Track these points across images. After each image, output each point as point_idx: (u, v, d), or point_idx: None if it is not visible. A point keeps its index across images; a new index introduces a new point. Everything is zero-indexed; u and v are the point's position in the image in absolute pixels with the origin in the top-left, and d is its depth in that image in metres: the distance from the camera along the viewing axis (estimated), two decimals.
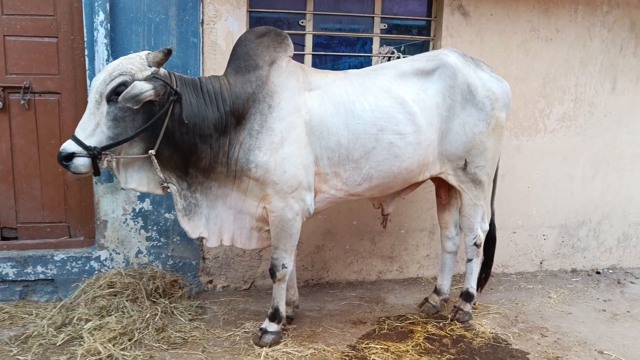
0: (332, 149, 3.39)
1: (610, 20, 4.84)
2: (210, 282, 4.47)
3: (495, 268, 4.88)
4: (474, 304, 4.14)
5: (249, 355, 3.40)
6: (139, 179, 3.21)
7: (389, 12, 4.59)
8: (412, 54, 4.36)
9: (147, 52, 3.07)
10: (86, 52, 3.94)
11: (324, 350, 3.46)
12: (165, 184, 3.23)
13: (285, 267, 3.52)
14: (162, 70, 3.08)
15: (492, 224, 4.12)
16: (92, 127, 2.97)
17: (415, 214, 4.76)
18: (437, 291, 4.20)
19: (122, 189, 3.68)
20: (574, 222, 5.15)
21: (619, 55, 4.93)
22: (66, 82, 4.10)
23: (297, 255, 4.42)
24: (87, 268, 4.20)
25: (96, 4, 3.83)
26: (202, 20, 4.09)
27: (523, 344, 3.70)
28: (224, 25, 4.11)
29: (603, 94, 4.97)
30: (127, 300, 3.79)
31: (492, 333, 3.83)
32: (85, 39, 3.93)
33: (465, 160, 3.71)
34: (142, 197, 4.18)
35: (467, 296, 4.07)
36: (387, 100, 3.48)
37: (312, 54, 4.48)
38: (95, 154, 2.94)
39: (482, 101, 3.64)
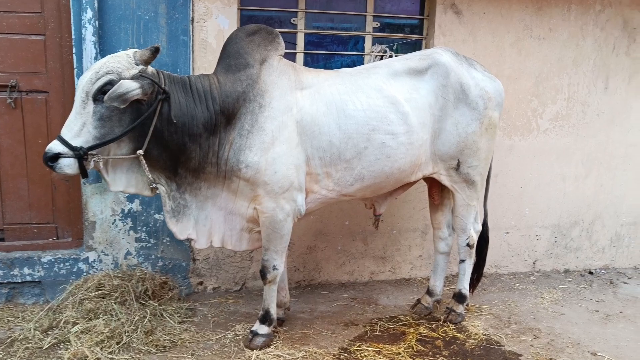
0: (323, 149, 3.34)
1: (603, 19, 4.82)
2: (201, 283, 4.41)
3: (488, 269, 4.86)
4: (467, 305, 4.10)
5: (239, 358, 3.35)
6: (127, 181, 3.16)
7: (381, 10, 4.56)
8: (405, 52, 4.33)
9: (134, 50, 3.02)
10: (74, 50, 3.88)
11: (315, 353, 3.41)
12: (154, 185, 3.18)
13: (276, 269, 3.47)
14: (150, 69, 3.02)
15: (485, 225, 4.09)
16: (79, 127, 2.91)
17: (408, 215, 4.73)
18: (429, 292, 4.17)
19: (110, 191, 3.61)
20: (566, 222, 5.13)
21: (612, 55, 4.92)
22: (54, 81, 4.04)
23: (289, 256, 4.38)
24: (75, 270, 4.13)
25: (84, 1, 3.77)
26: (192, 18, 4.03)
27: (516, 345, 3.67)
28: (214, 23, 4.06)
29: (596, 94, 4.96)
30: (115, 303, 3.73)
31: (485, 335, 3.79)
32: (73, 37, 3.87)
33: (458, 160, 3.68)
34: (131, 197, 4.12)
35: (459, 297, 4.03)
36: (379, 99, 3.44)
37: (304, 53, 4.44)
38: (81, 155, 2.88)
39: (475, 100, 3.61)
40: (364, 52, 4.57)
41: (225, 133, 3.22)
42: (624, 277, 5.16)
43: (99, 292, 3.82)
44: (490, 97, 3.67)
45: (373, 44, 4.56)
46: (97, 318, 3.60)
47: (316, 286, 4.67)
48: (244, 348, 3.47)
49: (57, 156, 2.87)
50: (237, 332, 3.71)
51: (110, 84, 2.86)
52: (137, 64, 2.96)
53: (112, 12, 3.89)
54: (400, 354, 3.44)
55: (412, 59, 3.65)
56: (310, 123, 3.31)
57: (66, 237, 4.28)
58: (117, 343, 3.39)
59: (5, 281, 4.03)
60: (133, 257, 4.23)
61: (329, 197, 3.52)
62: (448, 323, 3.94)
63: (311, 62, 4.50)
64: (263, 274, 3.49)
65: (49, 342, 3.41)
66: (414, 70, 3.59)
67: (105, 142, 2.92)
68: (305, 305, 4.26)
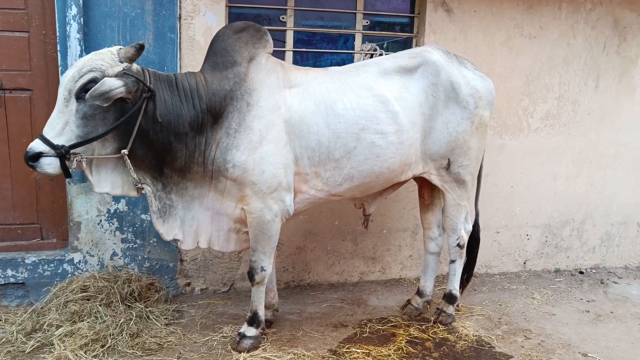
0: (312, 149, 3.30)
1: (594, 17, 4.80)
2: (188, 284, 4.35)
3: (479, 268, 4.83)
4: (457, 306, 4.08)
5: None
6: (112, 181, 3.09)
7: (371, 8, 4.51)
8: (395, 51, 4.28)
9: (118, 47, 2.95)
10: (58, 48, 3.81)
11: (303, 355, 3.36)
12: (140, 185, 3.11)
13: (264, 270, 3.42)
14: (134, 66, 2.96)
15: (476, 225, 4.07)
16: (61, 125, 2.85)
17: (398, 214, 4.69)
18: (419, 293, 4.13)
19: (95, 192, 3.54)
20: (557, 222, 5.12)
21: (602, 53, 4.90)
22: (38, 79, 3.96)
23: (278, 257, 4.33)
24: (59, 271, 4.06)
25: None
26: (180, 15, 3.97)
27: (507, 346, 3.65)
28: (202, 20, 3.99)
29: (586, 93, 4.94)
30: (100, 305, 3.68)
31: (475, 336, 3.77)
32: (58, 34, 3.79)
33: (449, 159, 3.64)
34: (117, 197, 4.05)
35: (450, 298, 4.00)
36: (369, 98, 3.39)
37: (293, 51, 4.38)
38: (63, 153, 2.81)
39: (465, 99, 3.58)
40: (353, 50, 4.52)
41: (212, 132, 3.17)
42: (615, 276, 5.15)
43: (84, 294, 3.76)
44: (481, 95, 3.64)
45: (363, 42, 4.51)
46: (82, 320, 3.55)
47: (305, 287, 4.62)
48: (232, 350, 3.43)
49: (38, 155, 2.81)
50: (225, 334, 3.66)
51: (94, 81, 2.80)
52: (122, 62, 2.90)
53: (97, 9, 3.82)
54: (390, 356, 3.41)
55: (402, 57, 3.61)
56: (299, 122, 3.27)
57: (51, 237, 4.20)
58: (102, 346, 3.33)
59: None
60: (119, 258, 4.16)
61: (317, 197, 3.48)
62: (438, 324, 3.91)
63: (300, 60, 4.45)
64: (251, 275, 3.44)
65: (32, 346, 3.35)
66: (404, 68, 3.55)
67: (88, 140, 2.86)
68: (294, 306, 4.21)
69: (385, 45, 4.53)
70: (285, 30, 4.33)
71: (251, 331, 3.49)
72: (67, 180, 3.93)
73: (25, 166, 3.73)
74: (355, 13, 4.46)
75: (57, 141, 2.82)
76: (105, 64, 2.85)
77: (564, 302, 4.49)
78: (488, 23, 4.56)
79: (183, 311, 4.05)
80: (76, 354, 3.17)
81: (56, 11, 3.75)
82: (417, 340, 3.66)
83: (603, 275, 5.16)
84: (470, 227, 3.98)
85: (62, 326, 3.49)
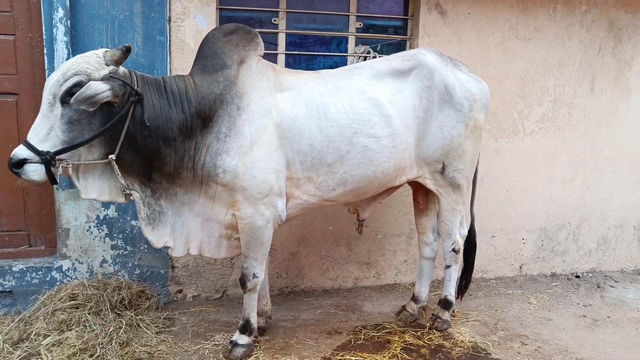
0: (304, 153, 3.24)
1: (589, 19, 4.77)
2: (180, 291, 4.28)
3: (475, 273, 4.73)
4: (453, 312, 4.02)
5: None
6: (99, 188, 3.02)
7: (364, 10, 4.45)
8: (389, 53, 4.23)
9: (104, 49, 2.89)
10: (45, 51, 3.73)
11: None
12: (128, 191, 3.04)
13: (257, 277, 3.36)
14: (121, 69, 2.89)
15: (472, 229, 4.02)
16: (46, 130, 2.78)
17: (393, 219, 4.63)
18: (414, 299, 4.07)
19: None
20: (553, 226, 5.07)
21: (598, 56, 4.87)
22: (24, 82, 3.88)
23: (271, 263, 4.27)
24: (48, 279, 3.98)
25: (55, 0, 3.62)
26: (169, 17, 3.90)
27: (503, 353, 3.60)
28: (192, 23, 3.93)
29: (582, 95, 4.90)
30: (89, 313, 3.60)
31: (471, 342, 3.72)
32: (44, 37, 3.72)
33: (443, 163, 3.59)
34: (107, 203, 3.97)
35: (445, 304, 3.95)
36: (362, 102, 3.34)
37: (286, 54, 4.32)
38: (48, 160, 2.74)
39: (460, 102, 3.52)
40: (347, 53, 4.46)
41: (201, 136, 3.11)
42: (611, 280, 5.10)
43: (73, 302, 3.68)
44: (476, 98, 3.59)
45: (356, 44, 4.46)
46: (70, 330, 3.47)
47: (299, 293, 4.55)
48: (224, 359, 3.36)
49: (22, 162, 2.74)
50: (217, 343, 3.60)
51: (79, 85, 2.73)
52: (108, 65, 2.83)
53: (85, 11, 3.75)
54: None
55: (395, 60, 3.56)
56: (291, 126, 3.21)
57: (39, 244, 4.12)
58: (90, 356, 3.25)
59: None
60: (109, 265, 4.09)
61: (310, 202, 3.42)
62: (434, 330, 3.87)
63: (293, 63, 4.39)
64: (243, 282, 3.38)
65: (19, 356, 3.26)
66: (397, 71, 3.50)
67: (73, 146, 2.79)
68: (287, 313, 4.14)
69: (378, 48, 4.48)
70: (277, 33, 4.27)
71: (243, 339, 3.43)
72: (55, 186, 3.86)
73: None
74: (348, 15, 4.40)
75: (41, 147, 2.75)
76: (90, 67, 2.79)
77: (560, 306, 4.44)
78: (482, 25, 4.52)
79: (174, 319, 3.97)
80: None
81: (42, 14, 3.69)
82: (412, 347, 3.61)
83: (599, 279, 5.11)
84: (465, 232, 3.93)
85: (49, 335, 3.41)
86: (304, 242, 4.49)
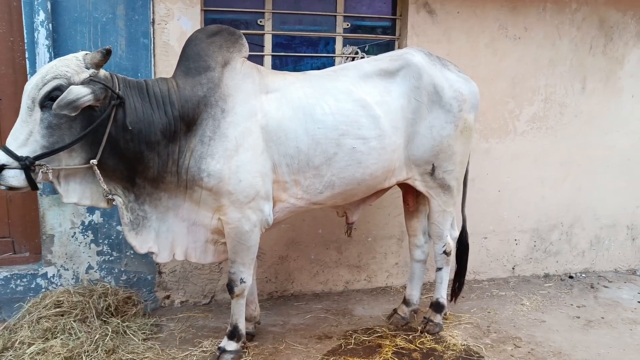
0: (291, 156, 3.18)
1: (579, 18, 4.73)
2: (168, 297, 4.21)
3: (467, 275, 4.65)
4: (445, 315, 3.98)
5: None
6: (81, 192, 2.95)
7: (352, 10, 4.41)
8: (377, 54, 4.16)
9: (84, 52, 2.83)
10: (27, 55, 3.67)
11: None
12: (110, 196, 2.98)
13: (244, 282, 3.30)
14: (102, 72, 2.83)
15: (463, 231, 3.97)
16: (25, 135, 2.71)
17: (383, 221, 4.58)
18: (406, 302, 4.02)
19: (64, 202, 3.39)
20: (545, 226, 5.03)
21: (589, 55, 4.84)
22: (6, 87, 3.81)
23: (260, 267, 4.22)
24: (33, 286, 3.92)
25: (36, 3, 3.57)
26: (153, 19, 3.85)
27: (496, 356, 3.56)
28: (176, 25, 3.88)
29: (573, 95, 4.87)
30: (74, 321, 3.52)
31: (463, 345, 3.67)
32: (26, 40, 3.66)
33: (433, 164, 3.54)
34: (92, 209, 3.91)
35: (437, 307, 3.90)
36: (349, 103, 3.28)
37: (272, 55, 4.26)
38: (27, 165, 2.67)
39: (449, 102, 3.48)
40: (334, 53, 4.41)
41: (185, 140, 3.05)
42: (605, 280, 5.06)
43: (58, 309, 3.60)
44: (465, 98, 3.54)
45: (344, 45, 4.41)
46: (55, 337, 3.39)
47: (289, 297, 4.49)
48: None
49: (1, 168, 2.66)
50: (205, 349, 3.53)
51: (59, 89, 2.67)
52: (88, 68, 2.77)
53: (66, 14, 3.69)
54: None
55: (382, 60, 3.51)
56: (276, 128, 3.15)
57: (23, 251, 4.05)
58: None
59: None
60: (95, 272, 4.02)
61: (298, 205, 3.36)
62: (426, 333, 3.82)
63: (280, 64, 4.33)
64: (230, 287, 3.32)
65: None
66: (384, 71, 3.45)
67: (53, 151, 2.72)
68: (277, 318, 4.08)
69: (366, 49, 4.43)
70: (263, 34, 4.22)
71: (231, 345, 3.37)
72: (39, 191, 3.80)
73: None
74: (335, 16, 4.35)
75: (20, 152, 2.69)
76: (70, 71, 2.73)
77: (554, 308, 4.39)
78: (472, 24, 4.48)
79: (162, 325, 3.91)
80: None
81: (23, 17, 3.62)
82: (404, 351, 3.56)
83: (593, 280, 5.08)
84: (456, 234, 3.89)
85: (34, 344, 3.32)
86: (294, 245, 4.43)
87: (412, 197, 3.87)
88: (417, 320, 4.01)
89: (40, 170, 2.73)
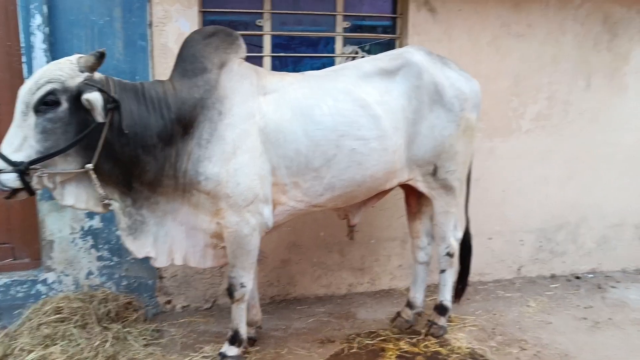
0: (290, 158, 3.14)
1: (583, 14, 4.66)
2: (169, 302, 4.18)
3: (472, 276, 4.60)
4: (449, 317, 3.92)
5: None
6: (76, 195, 2.92)
7: (352, 10, 4.35)
8: (378, 54, 4.12)
9: (78, 55, 2.80)
10: (23, 59, 3.64)
11: None
12: (107, 201, 2.94)
13: (244, 286, 3.26)
14: (97, 75, 2.81)
15: (467, 232, 3.91)
16: (19, 141, 2.69)
17: (386, 223, 4.52)
18: (409, 305, 3.97)
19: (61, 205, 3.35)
20: (551, 226, 4.95)
21: (593, 51, 4.76)
22: (4, 93, 3.78)
23: (261, 271, 4.17)
24: (33, 292, 3.88)
25: (32, 6, 3.54)
26: (151, 21, 3.81)
27: (501, 358, 3.52)
28: (174, 26, 3.84)
29: (577, 92, 4.80)
30: (74, 327, 3.49)
31: (468, 348, 3.62)
32: (22, 45, 3.62)
33: (435, 165, 3.49)
34: (91, 214, 3.87)
35: (441, 309, 3.84)
36: (348, 103, 3.24)
37: (271, 56, 4.22)
38: (22, 170, 2.66)
39: (450, 102, 3.43)
40: (334, 53, 4.36)
41: (182, 143, 3.01)
42: (612, 280, 4.98)
43: (58, 315, 3.57)
44: (467, 97, 3.49)
45: (344, 45, 4.36)
46: (55, 344, 3.35)
47: (291, 301, 4.44)
48: None
49: None
50: (206, 354, 3.50)
51: (52, 93, 2.66)
52: (82, 71, 2.74)
53: (63, 18, 3.66)
54: None
55: (382, 59, 3.47)
56: (275, 130, 3.11)
57: (23, 257, 4.01)
58: None
59: None
60: (95, 277, 3.99)
61: (298, 208, 3.32)
62: (430, 337, 3.76)
63: (280, 65, 4.28)
64: (230, 292, 3.28)
65: None
66: (384, 71, 3.40)
67: (48, 156, 2.70)
68: (279, 322, 4.04)
69: (367, 48, 4.38)
70: (262, 35, 4.17)
71: (232, 350, 3.34)
72: (38, 197, 3.78)
73: None
74: (335, 15, 4.29)
75: (15, 157, 2.67)
76: (64, 75, 2.70)
77: (560, 309, 4.32)
78: (473, 22, 4.42)
79: (163, 330, 3.87)
80: None
81: (20, 21, 3.59)
82: (408, 355, 3.52)
83: (600, 280, 4.99)
84: (460, 235, 3.83)
85: (34, 351, 3.29)
86: (295, 248, 4.38)
87: (414, 198, 3.82)
88: (421, 323, 3.95)
89: (35, 175, 2.71)
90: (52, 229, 3.87)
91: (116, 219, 3.03)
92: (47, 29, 3.59)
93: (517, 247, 4.92)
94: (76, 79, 2.71)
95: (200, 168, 2.99)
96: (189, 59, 3.07)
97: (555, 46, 4.67)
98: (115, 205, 2.99)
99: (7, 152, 2.67)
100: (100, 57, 2.73)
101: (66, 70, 2.71)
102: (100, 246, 3.97)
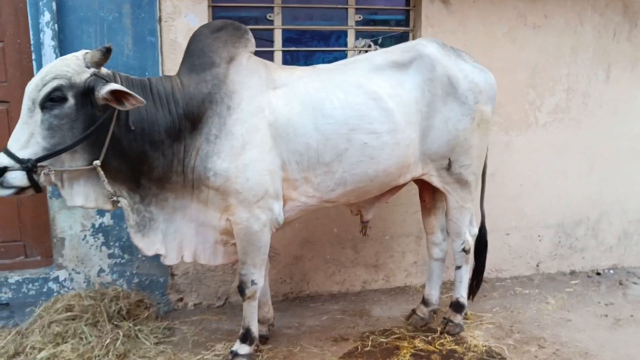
0: (300, 152, 3.08)
1: (602, 3, 4.54)
2: (181, 299, 4.15)
3: (489, 273, 4.58)
4: (465, 314, 3.84)
5: None
6: (85, 194, 2.89)
7: (364, 2, 4.29)
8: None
9: (84, 51, 2.77)
10: (33, 56, 3.64)
11: None
12: (115, 198, 2.91)
13: (255, 284, 3.21)
14: (103, 71, 2.77)
15: (482, 227, 3.83)
16: (26, 137, 2.66)
17: (400, 219, 4.45)
18: (425, 302, 3.90)
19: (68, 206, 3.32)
20: (570, 221, 4.84)
21: (612, 41, 4.64)
22: (15, 90, 3.78)
23: (274, 268, 4.13)
24: (45, 290, 3.89)
25: (41, 4, 3.53)
26: (160, 17, 3.78)
27: (519, 357, 3.43)
28: (183, 22, 3.81)
29: (597, 83, 4.68)
30: (85, 325, 3.49)
31: (485, 346, 3.54)
32: (32, 42, 3.63)
33: (449, 159, 3.41)
34: (102, 211, 3.85)
35: (457, 306, 3.77)
36: (360, 96, 3.17)
37: (282, 50, 4.16)
38: (29, 167, 2.62)
39: (464, 94, 3.35)
40: (346, 47, 4.29)
41: (190, 139, 2.97)
42: (634, 277, 4.86)
43: (69, 313, 3.58)
44: (481, 90, 3.41)
45: (356, 38, 4.29)
46: (65, 342, 3.36)
47: (305, 298, 4.39)
48: None
49: (3, 170, 2.61)
50: (217, 353, 3.46)
51: (59, 90, 2.63)
52: (89, 67, 2.71)
53: (72, 14, 3.64)
54: None
55: (394, 52, 3.40)
56: (285, 124, 3.05)
57: (35, 255, 4.02)
58: None
59: None
60: (106, 275, 3.98)
61: (309, 204, 3.26)
62: (445, 334, 3.69)
63: (291, 60, 4.23)
64: (241, 289, 3.24)
65: None
66: (396, 63, 3.33)
67: (55, 152, 2.67)
68: (292, 319, 3.99)
69: (380, 41, 4.31)
70: (273, 29, 4.12)
71: (244, 349, 3.30)
72: (49, 194, 3.77)
73: None
74: (347, 8, 4.23)
75: (22, 154, 2.64)
76: (70, 70, 2.67)
77: (580, 306, 4.23)
78: (488, 13, 4.32)
79: (175, 328, 3.84)
80: None
81: (29, 18, 3.59)
82: (423, 353, 3.45)
83: (622, 276, 4.87)
84: (475, 231, 3.75)
85: (44, 349, 3.30)
86: (308, 245, 4.33)
87: (428, 193, 3.74)
88: (437, 320, 3.88)
89: (43, 172, 2.68)
90: (63, 227, 3.87)
91: (125, 216, 3.00)
92: (56, 26, 3.59)
93: (535, 243, 4.81)
94: (82, 75, 2.68)
95: (208, 164, 2.95)
96: (197, 54, 3.03)
97: (574, 37, 4.56)
98: (124, 202, 2.95)
99: (14, 149, 2.64)
100: (107, 52, 2.69)
101: (72, 66, 2.68)
102: (112, 243, 3.95)
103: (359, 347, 3.53)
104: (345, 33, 4.29)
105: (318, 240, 4.35)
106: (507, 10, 4.36)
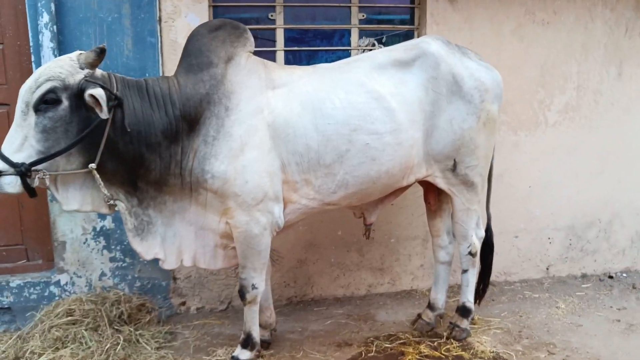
0: (300, 154, 3.02)
1: None
2: (183, 304, 4.10)
3: (497, 276, 4.49)
4: (472, 319, 3.75)
5: None
6: (81, 198, 2.86)
7: (368, 0, 4.21)
8: None
9: (79, 52, 2.73)
10: (32, 58, 3.62)
11: None
12: (112, 202, 2.87)
13: (256, 288, 3.16)
14: (98, 72, 2.73)
15: (488, 230, 3.74)
16: (20, 141, 2.63)
17: (406, 221, 4.37)
18: (430, 306, 3.81)
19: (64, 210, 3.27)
20: (581, 223, 4.73)
21: (625, 37, 4.52)
22: (15, 92, 3.62)
23: (278, 271, 4.07)
24: (46, 294, 3.86)
25: (39, 5, 3.50)
26: (160, 17, 3.74)
27: None
28: (184, 22, 3.76)
29: (609, 81, 4.56)
30: (86, 329, 3.45)
31: (492, 352, 3.46)
32: (31, 44, 3.60)
33: (455, 160, 3.33)
34: (103, 215, 3.81)
35: (463, 311, 3.68)
36: (361, 96, 3.10)
37: (285, 50, 4.10)
38: (23, 171, 2.59)
39: (470, 93, 3.27)
40: (350, 46, 4.22)
41: (188, 140, 2.92)
42: None
43: (69, 318, 3.54)
44: (487, 88, 3.32)
45: (360, 37, 4.21)
46: (65, 347, 3.33)
47: (309, 302, 4.32)
48: None
49: None
50: (219, 358, 3.43)
51: (52, 92, 2.59)
52: (82, 68, 2.67)
53: (71, 15, 3.61)
54: None
55: (397, 50, 3.33)
56: (284, 125, 2.99)
57: (36, 258, 4.00)
58: None
59: None
60: (108, 278, 3.94)
61: (310, 206, 3.20)
62: (452, 340, 3.62)
63: (293, 60, 4.17)
64: (242, 294, 3.19)
65: None
66: (399, 62, 3.26)
67: (49, 156, 2.63)
68: (295, 324, 3.92)
69: (384, 40, 4.23)
70: (274, 29, 4.06)
71: (245, 354, 3.26)
72: (49, 197, 3.74)
73: None
74: (350, 6, 4.15)
75: (16, 158, 2.60)
76: (64, 72, 2.63)
77: (591, 310, 4.12)
78: (495, 10, 4.23)
79: (176, 333, 3.80)
80: None
81: (28, 19, 3.57)
82: (428, 359, 3.37)
83: (635, 279, 4.75)
84: (482, 233, 3.66)
85: (44, 354, 3.27)
86: (312, 248, 4.26)
87: (433, 195, 3.66)
88: (443, 325, 3.80)
89: (37, 176, 2.64)
90: (64, 230, 3.84)
91: (122, 220, 2.96)
92: (55, 27, 3.56)
93: (545, 246, 4.70)
94: (76, 76, 2.64)
95: (206, 166, 2.90)
96: (194, 54, 2.98)
97: (584, 33, 4.45)
98: (121, 206, 2.92)
99: (7, 152, 2.61)
100: (101, 53, 2.65)
101: (66, 67, 2.64)
102: (113, 247, 3.91)
103: (363, 353, 3.47)
104: (348, 32, 4.22)
105: (322, 243, 4.28)
106: (515, 6, 4.27)
